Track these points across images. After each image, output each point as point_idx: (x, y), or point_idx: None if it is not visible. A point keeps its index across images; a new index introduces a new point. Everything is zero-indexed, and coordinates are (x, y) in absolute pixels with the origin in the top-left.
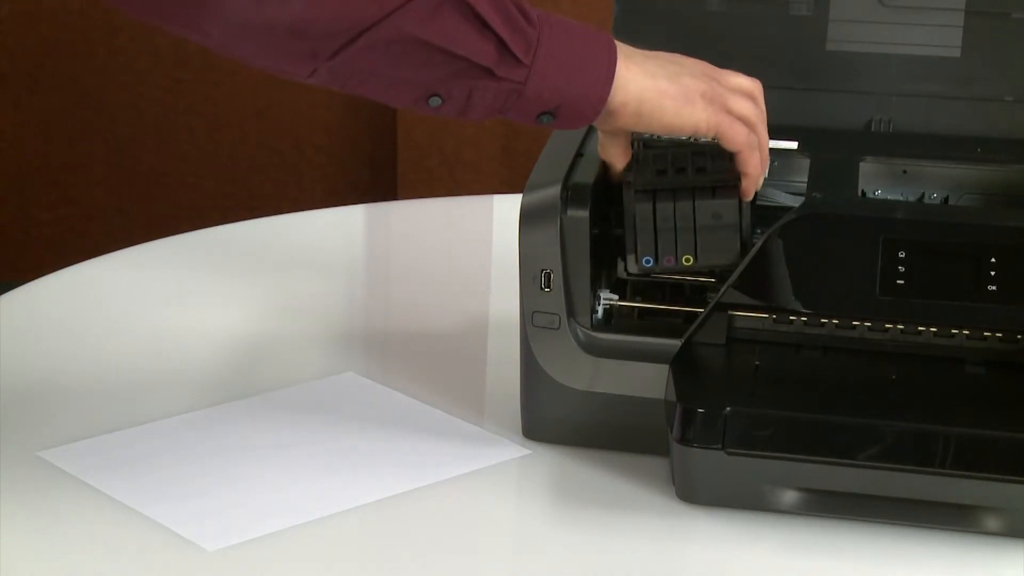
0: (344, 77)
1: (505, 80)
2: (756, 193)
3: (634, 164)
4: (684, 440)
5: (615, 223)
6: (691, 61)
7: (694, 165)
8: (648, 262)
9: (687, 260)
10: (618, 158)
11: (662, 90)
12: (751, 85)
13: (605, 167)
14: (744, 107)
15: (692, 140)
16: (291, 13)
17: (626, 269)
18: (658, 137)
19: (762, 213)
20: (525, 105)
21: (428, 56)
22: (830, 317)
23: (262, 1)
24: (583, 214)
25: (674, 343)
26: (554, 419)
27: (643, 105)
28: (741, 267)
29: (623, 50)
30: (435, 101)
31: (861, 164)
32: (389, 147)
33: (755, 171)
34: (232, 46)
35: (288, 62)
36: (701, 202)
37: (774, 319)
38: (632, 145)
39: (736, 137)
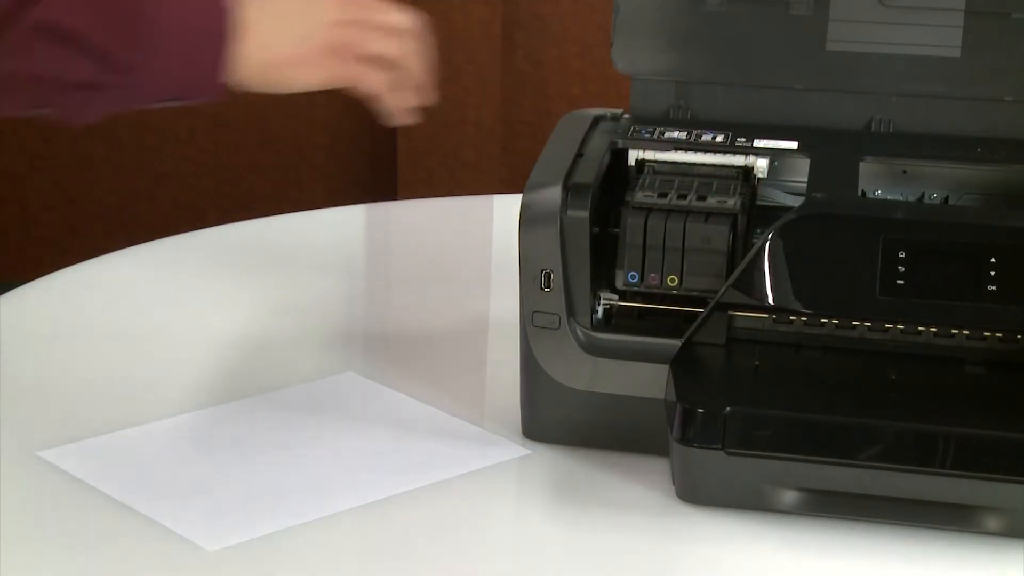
0: None
1: (113, 87)
2: (754, 202)
3: (638, 183)
4: (684, 440)
5: (614, 223)
6: (329, 5)
7: (697, 193)
8: (633, 278)
9: (672, 281)
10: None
11: (279, 60)
12: (399, 20)
13: (608, 174)
14: (383, 46)
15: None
16: None
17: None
18: (672, 162)
19: (762, 213)
20: (143, 100)
21: (24, 83)
22: (830, 317)
23: None
24: (583, 214)
25: (674, 343)
26: (554, 419)
27: (265, 77)
28: (741, 267)
29: (246, 14)
30: (48, 110)
31: (861, 164)
32: (389, 147)
33: (400, 105)
34: None
35: None
36: (692, 225)
37: (774, 319)
38: (642, 168)
39: (370, 86)
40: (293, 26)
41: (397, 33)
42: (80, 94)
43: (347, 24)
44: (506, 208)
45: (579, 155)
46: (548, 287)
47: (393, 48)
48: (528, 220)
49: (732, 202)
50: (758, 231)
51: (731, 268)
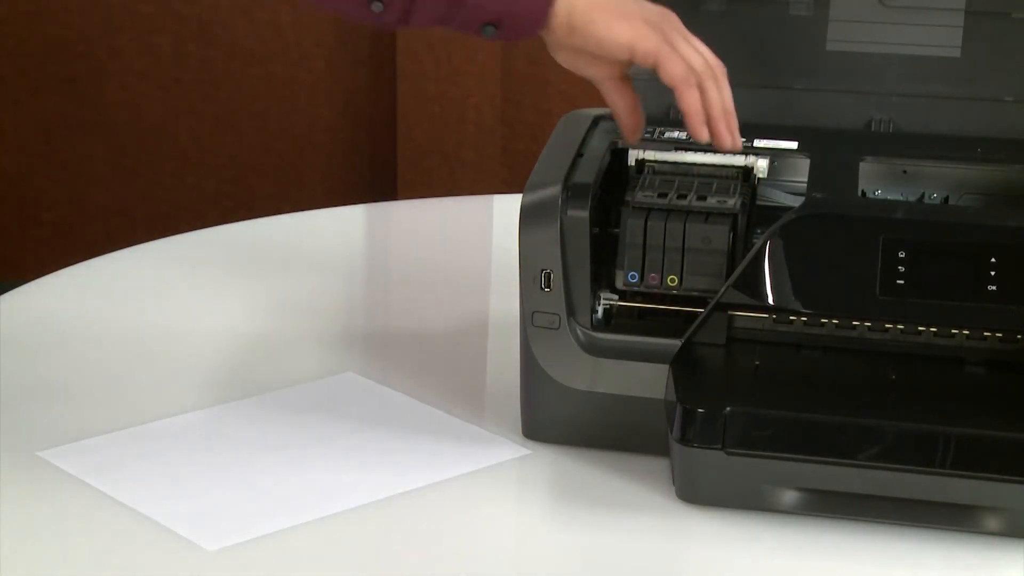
0: None
1: None
2: (754, 202)
3: (638, 183)
4: (684, 440)
5: (614, 223)
6: (656, 7)
7: (697, 193)
8: (633, 278)
9: (672, 280)
10: (619, 102)
11: (596, 3)
12: (708, 53)
13: (608, 174)
14: (691, 54)
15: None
16: None
17: (615, 283)
18: (672, 163)
19: (762, 213)
20: (467, 14)
21: None
22: (830, 317)
23: None
24: (583, 214)
25: (674, 343)
26: (554, 419)
27: (574, 16)
28: (741, 267)
29: None
30: (377, 6)
31: (861, 164)
32: (389, 147)
33: (691, 108)
34: None
35: None
36: (693, 225)
37: (774, 319)
38: (642, 168)
39: (674, 69)
40: None
41: (705, 58)
42: None
43: (667, 22)
44: (506, 208)
45: (579, 155)
46: (548, 287)
47: (699, 63)
48: (528, 220)
49: (732, 202)
50: (758, 231)
51: (731, 268)
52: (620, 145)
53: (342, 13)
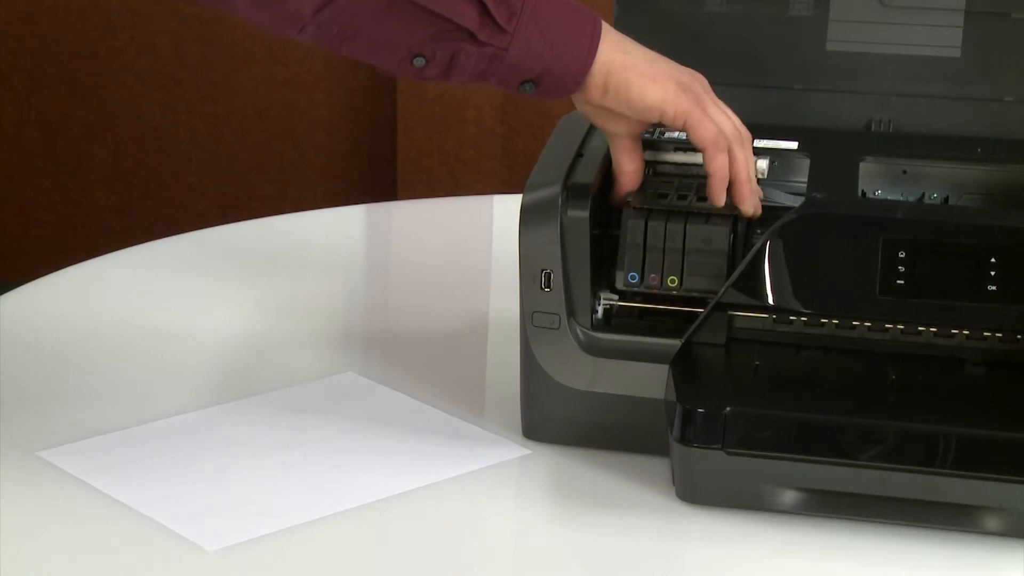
0: (331, 34)
1: (487, 45)
2: (749, 220)
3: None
4: (684, 440)
5: (615, 223)
6: (686, 69)
7: (697, 194)
8: (634, 278)
9: (672, 281)
10: (625, 165)
11: (631, 65)
12: (739, 122)
13: (608, 174)
14: (721, 118)
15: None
16: None
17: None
18: (672, 163)
19: (762, 213)
20: (507, 72)
21: (412, 14)
22: (830, 317)
23: None
24: (583, 214)
25: (674, 343)
26: (554, 419)
27: (609, 77)
28: (741, 267)
29: (606, 27)
30: (419, 61)
31: (861, 164)
32: (389, 147)
33: (718, 171)
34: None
35: (278, 16)
36: (693, 226)
37: (774, 319)
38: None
39: (704, 132)
40: (652, 54)
41: (734, 123)
42: (455, 45)
43: (698, 83)
44: (506, 208)
45: (579, 155)
46: (548, 287)
47: (729, 128)
48: (528, 220)
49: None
50: (758, 231)
51: (731, 269)
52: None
53: (383, 65)
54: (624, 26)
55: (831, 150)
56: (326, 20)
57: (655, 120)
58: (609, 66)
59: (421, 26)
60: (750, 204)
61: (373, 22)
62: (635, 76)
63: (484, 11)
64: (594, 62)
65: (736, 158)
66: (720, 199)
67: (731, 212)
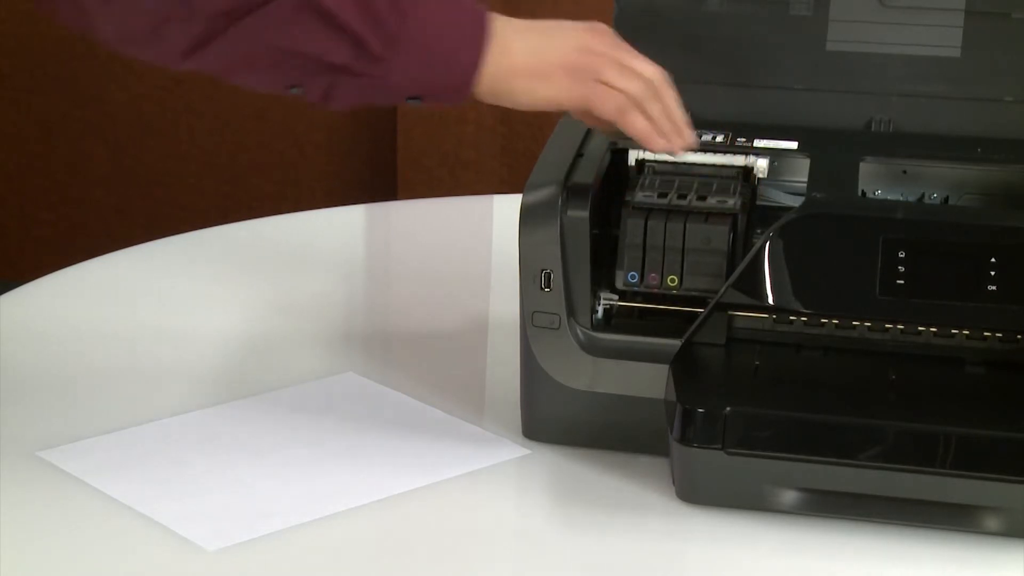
0: (209, 70)
1: (364, 75)
2: (754, 202)
3: (638, 183)
4: (684, 440)
5: (614, 223)
6: (577, 32)
7: (697, 193)
8: (633, 278)
9: (672, 281)
10: (592, 123)
11: (515, 69)
12: (643, 67)
13: (608, 175)
14: (625, 80)
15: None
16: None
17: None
18: (671, 162)
19: (762, 213)
20: (388, 94)
21: (280, 58)
22: (830, 317)
23: None
24: (583, 214)
25: (674, 343)
26: (554, 419)
27: (495, 84)
28: (741, 267)
29: (496, 24)
30: (296, 91)
31: (861, 164)
32: (389, 147)
33: (639, 131)
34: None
35: (153, 55)
36: (693, 225)
37: (774, 319)
38: (642, 168)
39: (604, 105)
40: (537, 41)
41: (641, 78)
42: (330, 78)
43: (592, 53)
44: (506, 208)
45: (579, 155)
46: (548, 287)
47: (635, 88)
48: (528, 220)
49: (732, 202)
50: (758, 231)
51: (731, 268)
52: (620, 145)
53: (265, 90)
54: (624, 26)
55: (831, 150)
56: (198, 62)
57: (556, 111)
58: (493, 74)
59: (292, 66)
60: (679, 147)
61: (244, 65)
62: (520, 81)
63: (357, 43)
64: (476, 72)
65: (652, 114)
66: (657, 147)
67: (731, 211)
